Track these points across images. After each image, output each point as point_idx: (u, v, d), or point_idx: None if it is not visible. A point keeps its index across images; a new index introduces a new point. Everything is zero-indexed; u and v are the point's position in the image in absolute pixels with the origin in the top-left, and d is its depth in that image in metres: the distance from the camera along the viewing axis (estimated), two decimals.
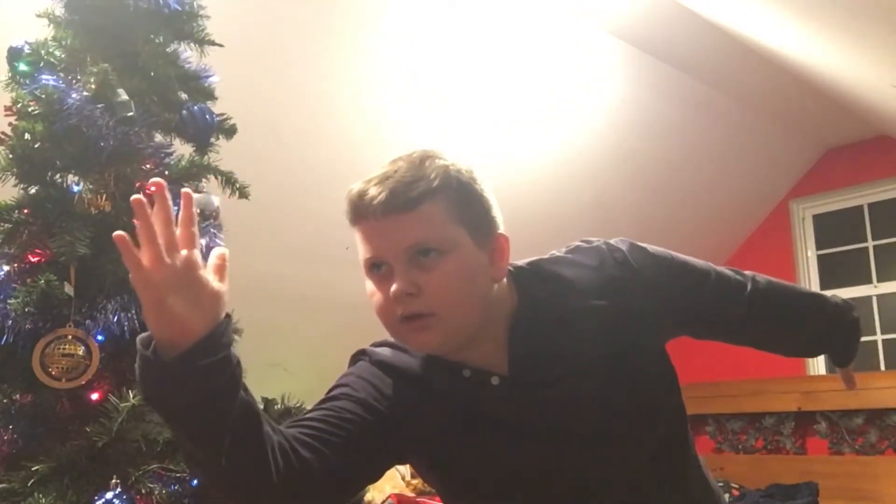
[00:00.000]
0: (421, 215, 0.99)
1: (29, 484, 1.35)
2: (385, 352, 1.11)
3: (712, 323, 1.21)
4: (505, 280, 1.07)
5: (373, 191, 0.99)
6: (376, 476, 1.08)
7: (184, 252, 0.83)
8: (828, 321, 1.29)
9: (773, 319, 1.24)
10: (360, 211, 1.00)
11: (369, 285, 1.03)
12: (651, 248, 1.14)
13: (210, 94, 1.81)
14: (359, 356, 1.13)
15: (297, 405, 1.65)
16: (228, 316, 0.86)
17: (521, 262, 1.12)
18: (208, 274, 0.85)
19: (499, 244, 1.05)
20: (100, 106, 1.55)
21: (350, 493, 1.05)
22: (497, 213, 1.06)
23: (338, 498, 1.05)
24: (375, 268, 1.01)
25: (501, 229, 1.06)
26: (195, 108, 1.73)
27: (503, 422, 1.04)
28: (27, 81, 1.61)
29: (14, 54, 1.64)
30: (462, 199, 1.02)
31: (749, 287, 1.19)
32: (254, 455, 0.89)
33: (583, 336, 1.05)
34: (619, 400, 1.05)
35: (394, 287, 0.98)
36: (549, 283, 1.09)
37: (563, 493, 1.05)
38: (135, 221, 0.81)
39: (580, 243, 1.14)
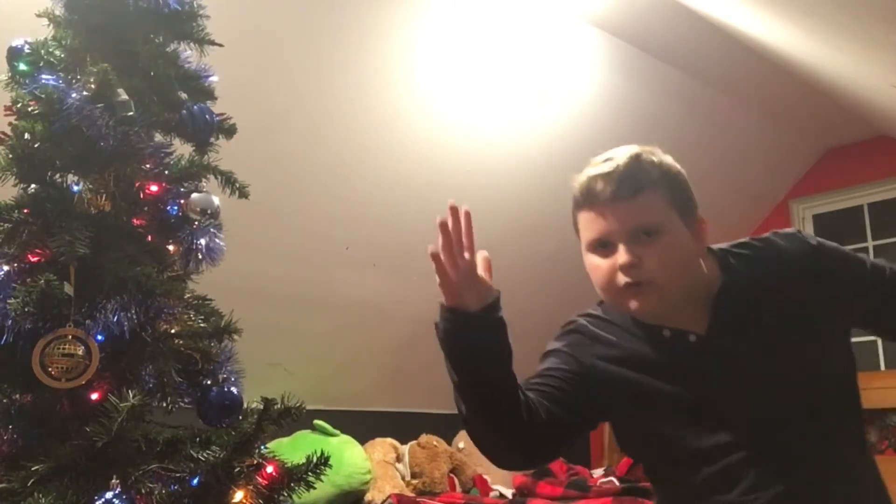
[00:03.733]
0: (643, 201, 1.19)
1: (29, 484, 1.34)
2: (587, 321, 1.34)
3: (872, 309, 1.31)
4: (706, 257, 1.27)
5: (600, 184, 1.20)
6: (593, 426, 1.35)
7: (466, 256, 1.11)
8: None
9: None
10: (590, 199, 1.21)
11: (593, 260, 1.23)
12: (826, 243, 1.29)
13: (210, 94, 1.81)
14: (567, 326, 1.36)
15: (298, 405, 1.64)
16: (497, 291, 1.15)
17: (722, 245, 1.31)
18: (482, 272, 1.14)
19: (700, 224, 1.25)
20: (100, 106, 1.55)
21: (570, 441, 1.29)
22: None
23: (560, 444, 1.30)
24: (601, 246, 1.21)
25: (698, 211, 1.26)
26: (195, 107, 1.73)
27: (691, 370, 1.23)
28: (27, 81, 1.61)
29: (14, 54, 1.64)
30: (673, 186, 1.22)
31: (888, 270, 1.29)
32: (519, 401, 1.18)
33: (774, 316, 1.22)
34: (797, 380, 1.20)
35: (621, 259, 1.18)
36: (751, 265, 1.26)
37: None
38: (442, 235, 1.09)
39: (769, 235, 1.31)
